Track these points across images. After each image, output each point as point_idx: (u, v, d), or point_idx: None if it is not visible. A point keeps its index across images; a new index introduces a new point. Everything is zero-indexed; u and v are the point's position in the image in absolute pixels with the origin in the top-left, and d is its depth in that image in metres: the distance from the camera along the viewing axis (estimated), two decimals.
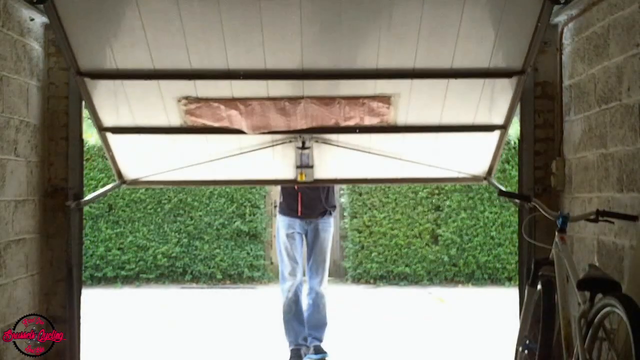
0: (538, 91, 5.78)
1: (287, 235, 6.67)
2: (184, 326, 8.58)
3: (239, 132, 5.55)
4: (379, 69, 5.12)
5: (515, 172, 11.29)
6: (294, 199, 6.66)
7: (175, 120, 5.49)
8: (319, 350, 6.58)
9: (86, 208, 10.79)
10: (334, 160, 5.94)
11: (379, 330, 8.25)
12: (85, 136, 6.23)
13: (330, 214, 6.80)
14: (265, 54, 4.98)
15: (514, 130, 7.18)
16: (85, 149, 7.62)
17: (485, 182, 6.09)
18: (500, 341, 7.30)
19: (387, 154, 5.81)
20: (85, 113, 5.80)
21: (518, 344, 4.63)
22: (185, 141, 5.66)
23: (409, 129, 5.63)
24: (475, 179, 6.14)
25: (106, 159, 12.00)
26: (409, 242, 12.04)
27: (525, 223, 5.48)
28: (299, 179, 5.88)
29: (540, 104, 5.77)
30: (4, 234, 4.94)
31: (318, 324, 6.68)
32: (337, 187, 13.26)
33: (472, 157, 5.87)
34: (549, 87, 5.76)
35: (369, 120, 5.52)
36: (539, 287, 4.40)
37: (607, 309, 3.50)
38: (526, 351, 4.53)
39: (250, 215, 12.16)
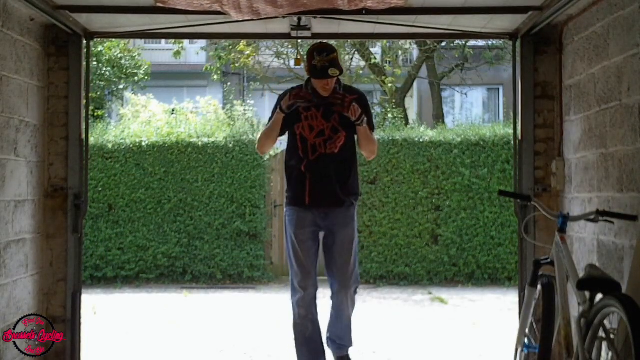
0: (538, 91, 5.79)
1: (296, 234, 5.16)
2: (184, 326, 8.58)
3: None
4: None
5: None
6: (300, 183, 5.14)
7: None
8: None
9: None
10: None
11: (379, 330, 8.25)
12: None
13: (352, 204, 5.20)
14: None
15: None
16: None
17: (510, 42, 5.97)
18: (500, 341, 7.30)
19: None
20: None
21: (518, 344, 4.63)
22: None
23: (424, 11, 5.36)
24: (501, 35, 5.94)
25: (106, 159, 12.10)
26: (409, 242, 12.03)
27: (525, 223, 5.49)
28: (292, 33, 5.67)
29: (540, 104, 5.77)
30: (4, 234, 4.94)
31: (341, 333, 5.28)
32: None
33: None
34: (549, 87, 5.76)
35: (376, 4, 5.16)
36: (539, 287, 4.40)
37: (607, 309, 3.50)
38: (526, 351, 4.53)
39: (250, 215, 12.16)
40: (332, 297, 5.24)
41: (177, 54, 15.39)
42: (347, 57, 15.64)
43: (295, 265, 5.16)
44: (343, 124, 5.07)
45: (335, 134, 5.09)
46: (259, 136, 5.34)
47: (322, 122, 5.09)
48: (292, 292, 5.21)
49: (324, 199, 5.12)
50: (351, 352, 5.32)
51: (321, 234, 5.24)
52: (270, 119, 5.28)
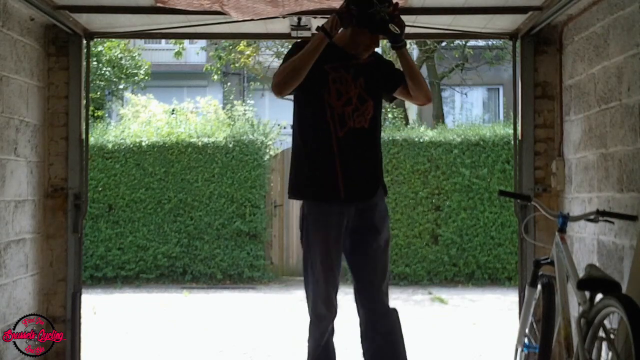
0: (538, 91, 5.78)
1: (326, 240, 3.96)
2: (184, 326, 8.58)
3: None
4: None
5: None
6: (329, 167, 3.94)
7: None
8: None
9: None
10: None
11: None
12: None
13: (386, 194, 4.15)
14: None
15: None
16: None
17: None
18: (500, 341, 7.30)
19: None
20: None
21: (518, 344, 4.63)
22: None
23: (424, 11, 5.27)
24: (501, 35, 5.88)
25: (106, 159, 12.10)
26: (409, 242, 12.03)
27: (525, 223, 5.49)
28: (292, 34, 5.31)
29: (540, 104, 5.77)
30: (4, 234, 4.94)
31: None
32: None
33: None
34: (549, 87, 5.76)
35: None
36: (539, 287, 4.40)
37: (607, 309, 3.50)
38: (526, 351, 4.53)
39: (250, 215, 12.16)
40: (367, 324, 4.09)
41: (178, 54, 15.40)
42: None
43: (321, 282, 3.98)
44: (369, 91, 4.04)
45: (362, 103, 4.01)
46: (279, 71, 3.95)
47: (352, 88, 3.98)
48: (313, 319, 4.10)
49: (360, 189, 3.99)
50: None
51: None
52: (285, 62, 3.97)
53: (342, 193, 3.92)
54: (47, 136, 5.68)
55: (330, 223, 3.96)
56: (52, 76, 5.70)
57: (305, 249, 4.05)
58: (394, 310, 4.14)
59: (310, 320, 4.12)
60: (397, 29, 3.84)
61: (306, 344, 4.22)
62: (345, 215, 3.97)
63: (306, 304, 4.16)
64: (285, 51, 17.68)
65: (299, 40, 4.10)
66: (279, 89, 3.92)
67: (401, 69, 4.06)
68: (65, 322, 5.67)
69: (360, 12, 3.83)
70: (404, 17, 3.93)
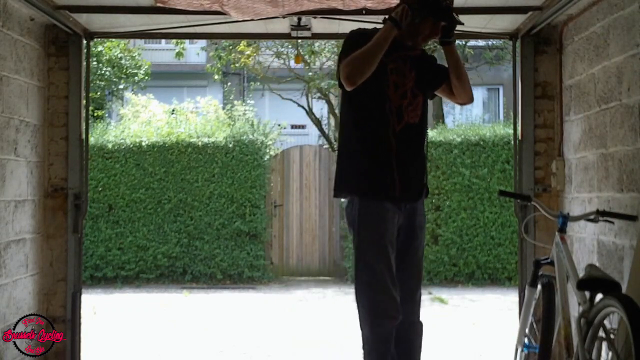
0: (538, 91, 5.78)
1: (385, 238, 3.71)
2: (184, 326, 8.58)
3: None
4: None
5: None
6: (385, 163, 3.75)
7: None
8: None
9: None
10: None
11: None
12: None
13: (427, 193, 3.98)
14: None
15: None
16: None
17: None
18: (500, 341, 7.30)
19: None
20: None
21: (518, 344, 4.63)
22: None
23: None
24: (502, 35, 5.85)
25: (106, 159, 12.10)
26: None
27: (525, 223, 5.49)
28: (292, 33, 5.31)
29: (540, 104, 5.77)
30: (4, 234, 4.94)
31: None
32: None
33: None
34: (549, 87, 5.76)
35: (376, 4, 4.99)
36: (539, 287, 4.40)
37: (607, 309, 3.50)
38: (526, 351, 4.53)
39: (250, 215, 12.16)
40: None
41: (179, 54, 15.38)
42: None
43: (381, 283, 3.65)
44: (420, 85, 3.85)
45: (414, 97, 3.82)
46: (349, 62, 3.66)
47: (408, 80, 3.78)
48: (372, 322, 3.69)
49: (412, 188, 3.80)
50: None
51: None
52: (345, 56, 3.73)
53: (398, 190, 3.72)
54: (47, 136, 5.68)
55: (387, 221, 3.70)
56: (52, 76, 5.70)
57: (361, 249, 3.73)
58: (421, 323, 3.94)
59: (372, 325, 3.68)
60: (459, 18, 3.70)
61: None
62: (396, 215, 3.75)
63: (362, 321, 3.73)
64: (285, 51, 17.41)
65: (359, 29, 3.91)
66: (353, 80, 3.63)
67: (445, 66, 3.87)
68: (65, 322, 5.67)
69: None
70: None
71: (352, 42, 3.74)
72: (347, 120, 3.88)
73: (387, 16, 3.70)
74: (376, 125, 3.74)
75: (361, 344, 3.78)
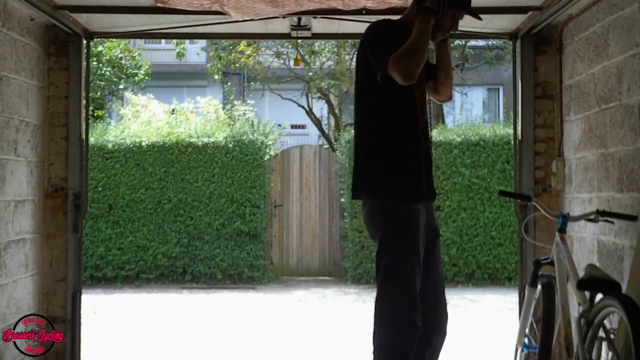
0: (538, 91, 5.79)
1: (418, 240, 3.53)
2: (184, 326, 8.58)
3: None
4: None
5: None
6: (415, 162, 3.63)
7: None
8: None
9: None
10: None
11: None
12: None
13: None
14: None
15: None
16: None
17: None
18: (500, 341, 7.30)
19: None
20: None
21: (518, 344, 4.63)
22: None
23: None
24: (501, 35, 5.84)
25: (106, 159, 12.09)
26: None
27: (525, 223, 5.48)
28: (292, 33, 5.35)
29: (540, 104, 5.77)
30: (4, 234, 4.94)
31: None
32: (338, 184, 13.20)
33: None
34: (549, 87, 5.76)
35: (376, 4, 5.01)
36: (539, 287, 4.40)
37: (607, 309, 3.50)
38: (526, 351, 4.53)
39: (250, 215, 12.16)
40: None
41: (180, 55, 15.38)
42: (347, 57, 15.62)
43: (413, 287, 3.46)
44: (427, 81, 3.82)
45: (426, 94, 3.80)
46: (400, 57, 3.45)
47: (423, 77, 3.68)
48: (403, 324, 3.47)
49: (432, 186, 3.70)
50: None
51: None
52: (385, 49, 3.51)
53: (425, 188, 3.58)
54: (47, 136, 5.68)
55: (418, 222, 3.51)
56: (52, 76, 5.70)
57: (396, 254, 3.48)
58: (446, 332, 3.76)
59: (401, 327, 3.48)
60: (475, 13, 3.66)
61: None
62: (423, 216, 3.57)
63: (385, 322, 3.54)
64: (285, 51, 17.39)
65: (384, 20, 3.75)
66: (412, 74, 3.42)
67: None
68: (65, 322, 5.67)
69: None
70: None
71: (392, 36, 3.55)
72: (374, 118, 3.65)
73: (424, 5, 3.58)
74: (407, 124, 3.61)
75: (372, 348, 3.61)
